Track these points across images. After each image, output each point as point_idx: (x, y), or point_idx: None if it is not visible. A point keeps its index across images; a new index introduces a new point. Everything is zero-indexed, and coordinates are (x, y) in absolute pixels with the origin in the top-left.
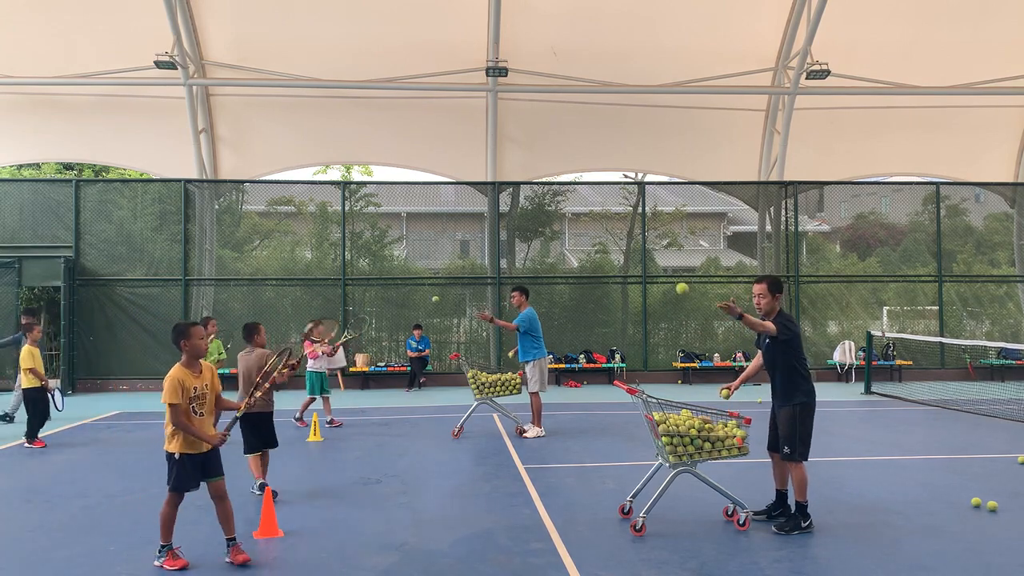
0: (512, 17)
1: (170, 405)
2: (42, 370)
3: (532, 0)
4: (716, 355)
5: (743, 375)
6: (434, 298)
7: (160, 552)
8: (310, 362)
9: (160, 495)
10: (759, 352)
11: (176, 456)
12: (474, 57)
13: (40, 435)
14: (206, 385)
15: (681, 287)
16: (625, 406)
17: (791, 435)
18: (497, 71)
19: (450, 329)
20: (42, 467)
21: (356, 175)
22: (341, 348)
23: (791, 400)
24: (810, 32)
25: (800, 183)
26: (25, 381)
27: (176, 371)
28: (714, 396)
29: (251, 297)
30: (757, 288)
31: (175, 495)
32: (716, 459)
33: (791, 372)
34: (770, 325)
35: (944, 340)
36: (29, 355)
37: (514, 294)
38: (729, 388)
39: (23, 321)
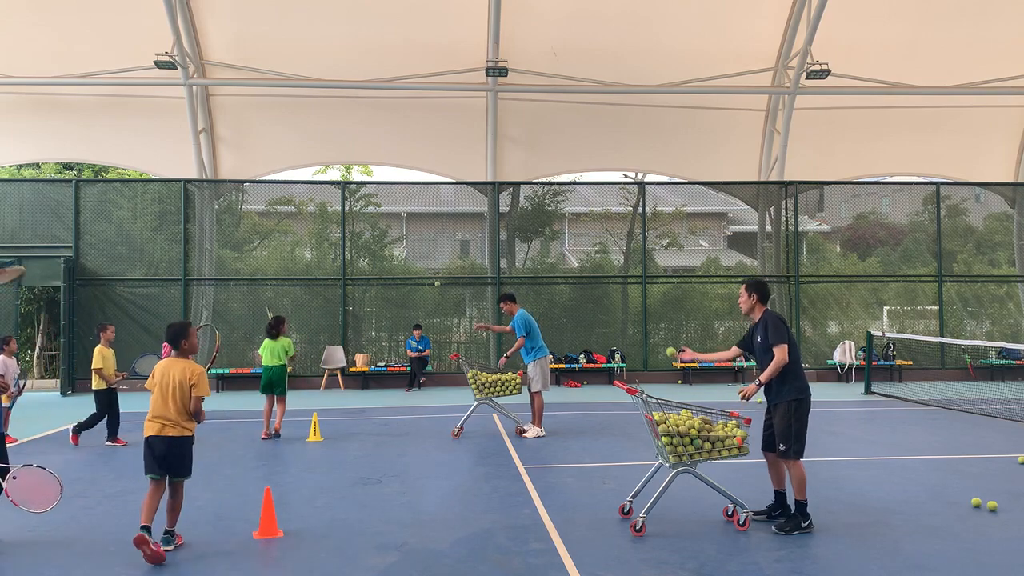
0: (512, 17)
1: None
2: (111, 370)
3: (532, 0)
4: None
5: (709, 355)
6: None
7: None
8: None
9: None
10: (734, 348)
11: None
12: (474, 57)
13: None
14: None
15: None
16: (625, 406)
17: (786, 432)
18: (497, 71)
19: (450, 329)
20: None
21: (356, 175)
22: (340, 347)
23: (785, 397)
24: (810, 32)
25: (800, 183)
26: (94, 382)
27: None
28: (714, 396)
29: (251, 297)
30: (741, 291)
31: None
32: (716, 459)
33: (784, 371)
34: (780, 361)
35: (944, 340)
36: (99, 355)
37: (501, 304)
38: (684, 350)
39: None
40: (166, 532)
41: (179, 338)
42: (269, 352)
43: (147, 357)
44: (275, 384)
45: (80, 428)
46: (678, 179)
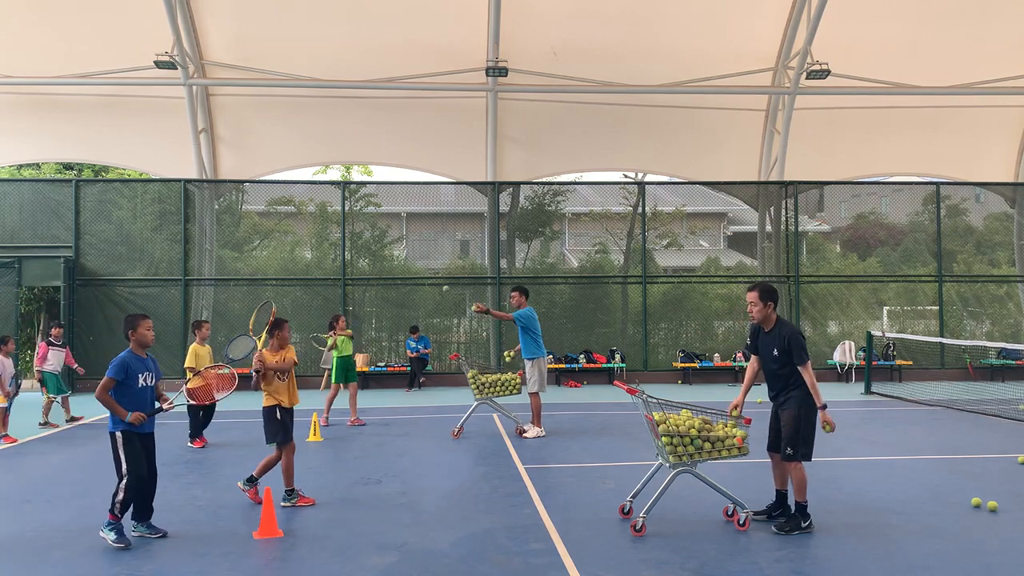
0: (512, 17)
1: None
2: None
3: (532, 0)
4: (716, 355)
5: (744, 391)
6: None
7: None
8: (48, 363)
9: (159, 494)
10: (752, 358)
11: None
12: (474, 57)
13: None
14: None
15: None
16: (625, 406)
17: (794, 436)
18: (497, 71)
19: (450, 329)
20: (42, 467)
21: (356, 175)
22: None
23: (795, 402)
24: (810, 32)
25: (800, 183)
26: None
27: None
28: (714, 396)
29: (251, 297)
30: (749, 296)
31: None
32: (716, 459)
33: (796, 375)
34: (812, 382)
35: (944, 340)
36: (192, 354)
37: (513, 294)
38: (738, 411)
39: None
40: (285, 491)
41: (274, 329)
42: (344, 344)
43: (240, 339)
44: (352, 371)
45: (195, 432)
46: (678, 179)
